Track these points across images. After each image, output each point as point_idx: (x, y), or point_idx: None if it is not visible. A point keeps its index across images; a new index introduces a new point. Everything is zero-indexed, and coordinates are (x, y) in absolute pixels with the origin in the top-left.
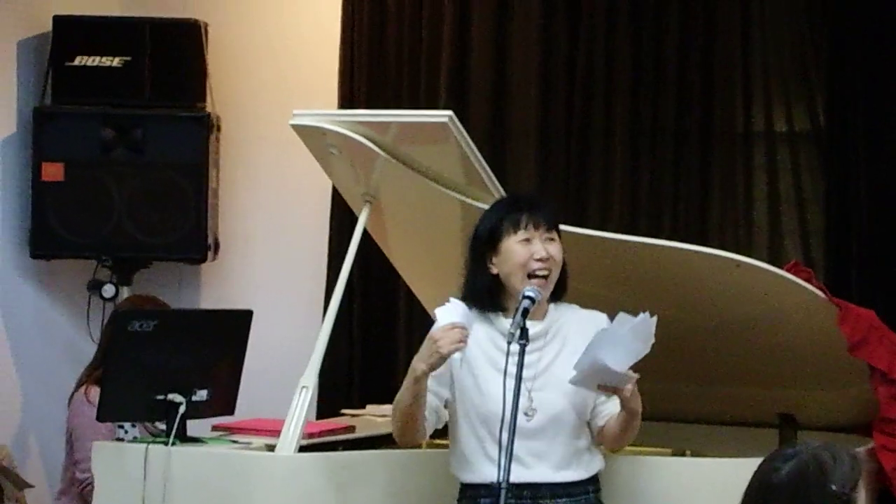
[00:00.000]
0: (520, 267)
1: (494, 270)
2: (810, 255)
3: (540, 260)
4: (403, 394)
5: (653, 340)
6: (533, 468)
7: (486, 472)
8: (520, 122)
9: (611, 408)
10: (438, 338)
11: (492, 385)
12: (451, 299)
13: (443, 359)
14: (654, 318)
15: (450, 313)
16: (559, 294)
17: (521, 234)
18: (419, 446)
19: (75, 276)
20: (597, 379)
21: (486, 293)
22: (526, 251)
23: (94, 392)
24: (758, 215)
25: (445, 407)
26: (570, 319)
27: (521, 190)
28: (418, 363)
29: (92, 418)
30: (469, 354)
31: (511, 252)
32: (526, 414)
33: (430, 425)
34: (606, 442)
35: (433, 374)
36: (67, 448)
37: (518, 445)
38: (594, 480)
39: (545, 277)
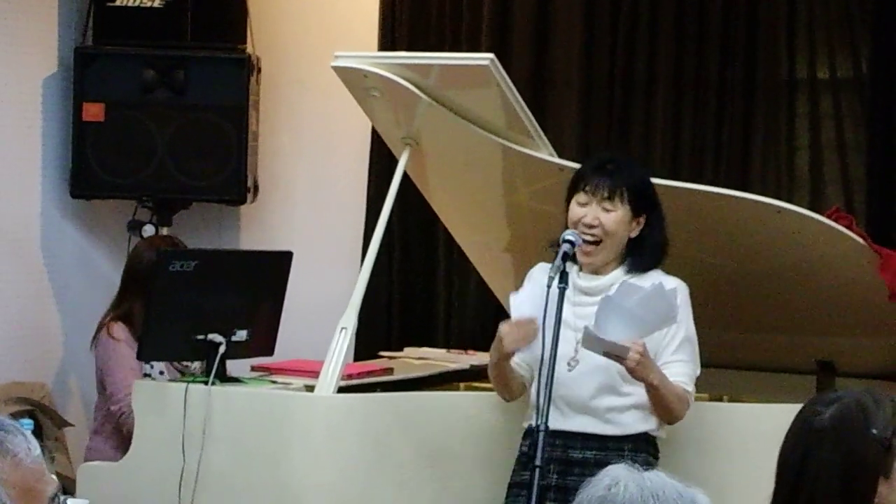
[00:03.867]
0: (573, 226)
1: None
2: (852, 203)
3: (587, 226)
4: (490, 365)
5: (675, 314)
6: (569, 417)
7: (530, 415)
8: (562, 71)
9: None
10: (505, 334)
11: (547, 331)
12: (526, 284)
13: (509, 354)
14: (674, 290)
15: (520, 303)
16: (645, 265)
17: (582, 197)
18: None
19: (115, 216)
20: (600, 346)
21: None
22: (578, 214)
23: (116, 328)
24: (800, 163)
25: None
26: (639, 281)
27: (563, 138)
28: (493, 351)
29: (118, 352)
30: (541, 302)
31: (571, 210)
32: (568, 364)
33: (528, 379)
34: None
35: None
36: (99, 387)
37: (557, 394)
38: (635, 439)
39: (593, 244)
